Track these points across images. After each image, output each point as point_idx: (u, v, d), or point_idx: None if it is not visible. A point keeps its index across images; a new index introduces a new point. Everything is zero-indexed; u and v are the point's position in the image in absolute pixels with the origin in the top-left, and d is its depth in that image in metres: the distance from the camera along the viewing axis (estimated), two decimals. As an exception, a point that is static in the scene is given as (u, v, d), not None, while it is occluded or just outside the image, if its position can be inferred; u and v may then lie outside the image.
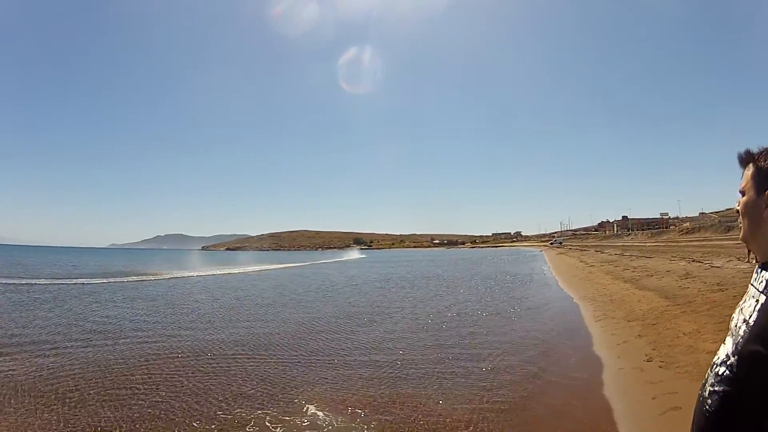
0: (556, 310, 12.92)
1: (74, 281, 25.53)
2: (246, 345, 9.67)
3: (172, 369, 7.78)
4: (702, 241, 45.05)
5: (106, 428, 5.32)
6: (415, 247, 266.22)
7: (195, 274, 33.72)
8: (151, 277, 29.43)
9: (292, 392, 6.56)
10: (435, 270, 37.45)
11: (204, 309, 14.99)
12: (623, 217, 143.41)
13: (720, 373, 1.21)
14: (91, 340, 9.94)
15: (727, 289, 9.89)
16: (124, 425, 5.40)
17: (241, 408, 5.95)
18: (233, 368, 7.84)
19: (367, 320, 12.53)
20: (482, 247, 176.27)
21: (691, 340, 6.94)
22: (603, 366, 6.98)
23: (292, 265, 51.93)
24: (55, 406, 5.94)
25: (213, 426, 5.40)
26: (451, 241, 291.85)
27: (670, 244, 46.99)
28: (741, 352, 1.15)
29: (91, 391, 6.56)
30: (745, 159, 1.30)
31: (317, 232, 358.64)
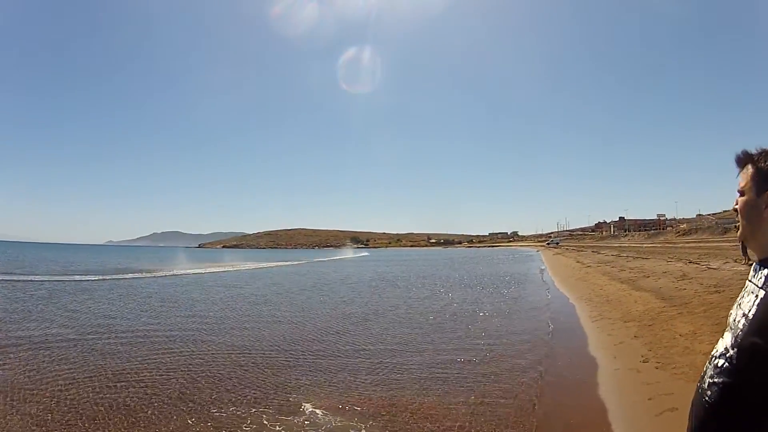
0: (551, 311, 12.91)
1: (71, 278, 25.44)
2: (241, 343, 9.63)
3: (165, 366, 7.74)
4: (699, 242, 45.24)
5: (99, 425, 5.27)
6: (411, 246, 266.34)
7: (191, 272, 33.63)
8: (147, 275, 29.33)
9: (287, 391, 6.52)
10: (431, 269, 37.45)
11: (198, 307, 14.93)
12: (620, 218, 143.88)
13: (719, 365, 1.24)
14: (85, 337, 9.88)
15: (723, 291, 9.90)
16: (118, 422, 5.36)
17: (236, 406, 5.91)
18: (229, 366, 7.80)
19: (361, 320, 12.49)
20: (479, 247, 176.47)
21: (687, 341, 6.94)
22: (599, 367, 6.97)
23: (287, 263, 51.82)
24: (49, 404, 5.90)
25: (209, 424, 5.37)
26: (448, 241, 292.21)
27: (666, 245, 47.14)
28: (741, 344, 1.19)
29: (84, 388, 6.51)
30: (744, 160, 1.31)
31: (314, 231, 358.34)
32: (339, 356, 8.56)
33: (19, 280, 22.90)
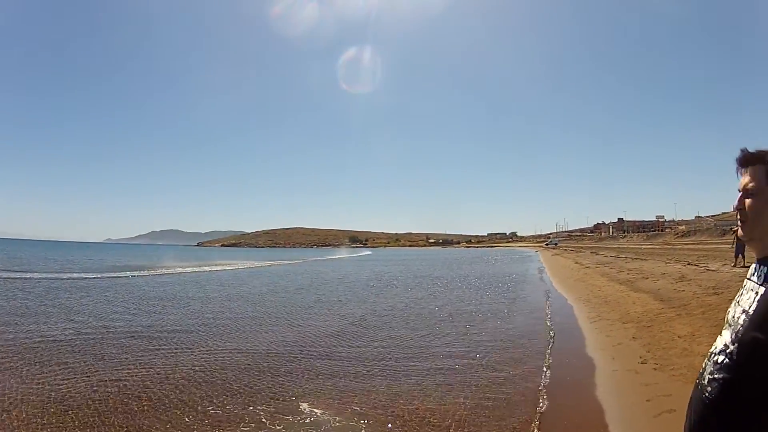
0: (550, 312, 12.90)
1: (67, 276, 25.43)
2: (237, 342, 9.62)
3: (160, 365, 7.72)
4: (697, 244, 45.28)
5: (93, 423, 5.25)
6: (410, 245, 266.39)
7: (188, 270, 33.60)
8: (144, 273, 29.32)
9: (285, 390, 6.50)
10: (429, 269, 37.43)
11: (194, 305, 14.91)
12: (619, 219, 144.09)
13: (719, 361, 1.25)
14: (80, 335, 9.85)
15: (722, 293, 9.90)
16: (114, 419, 5.33)
17: (233, 404, 5.89)
18: (225, 365, 7.77)
19: (358, 320, 12.47)
20: (477, 247, 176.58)
21: (685, 342, 6.94)
22: (596, 367, 6.95)
23: (285, 262, 51.80)
24: (43, 402, 5.87)
25: (206, 422, 5.34)
26: (447, 241, 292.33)
27: (665, 246, 47.15)
28: (742, 339, 1.20)
29: (78, 386, 6.49)
30: (754, 159, 1.29)
31: (313, 230, 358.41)
32: (336, 356, 8.54)
33: (17, 278, 22.89)
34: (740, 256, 14.69)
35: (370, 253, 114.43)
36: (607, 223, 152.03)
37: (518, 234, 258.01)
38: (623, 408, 5.28)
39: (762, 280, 1.23)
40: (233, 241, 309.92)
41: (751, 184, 1.27)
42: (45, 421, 5.26)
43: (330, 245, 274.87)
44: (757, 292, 1.22)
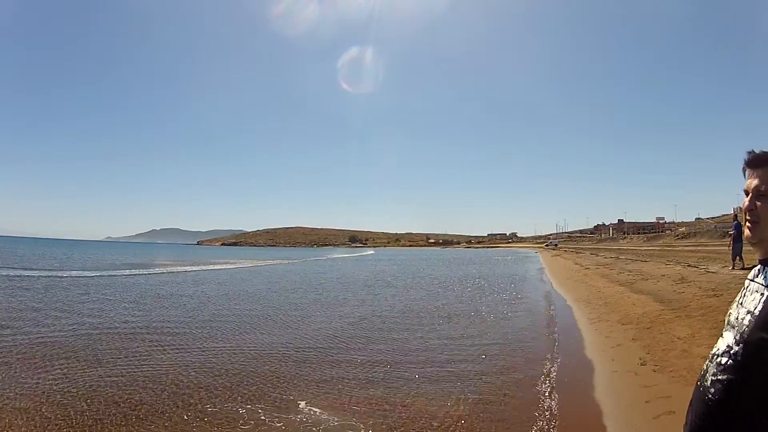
0: (549, 313, 12.90)
1: (67, 273, 25.42)
2: (235, 340, 9.61)
3: (158, 362, 7.72)
4: (697, 246, 45.16)
5: (91, 421, 5.24)
6: (410, 245, 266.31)
7: (187, 269, 33.59)
8: (143, 272, 29.31)
9: (284, 389, 6.49)
10: (429, 270, 37.43)
11: (192, 304, 14.90)
12: (619, 220, 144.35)
13: (722, 362, 1.24)
14: (77, 332, 9.86)
15: (722, 295, 9.87)
16: (111, 417, 5.32)
17: (232, 402, 5.88)
18: (223, 363, 7.77)
19: (357, 319, 12.46)
20: (477, 248, 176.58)
21: (685, 344, 6.92)
22: (596, 369, 6.94)
23: (284, 261, 51.78)
24: (40, 400, 5.87)
25: (205, 420, 5.34)
26: (447, 241, 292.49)
27: (665, 248, 47.08)
28: (747, 339, 1.19)
29: (76, 384, 6.49)
30: (764, 160, 1.27)
31: (312, 229, 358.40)
32: (335, 356, 8.53)
33: (17, 275, 22.89)
34: (738, 258, 14.65)
35: (373, 252, 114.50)
36: (607, 224, 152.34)
37: (518, 235, 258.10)
38: (622, 409, 5.27)
39: None
40: (233, 240, 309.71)
41: (763, 186, 1.25)
42: (41, 420, 5.26)
43: (330, 245, 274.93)
44: (762, 294, 1.21)
